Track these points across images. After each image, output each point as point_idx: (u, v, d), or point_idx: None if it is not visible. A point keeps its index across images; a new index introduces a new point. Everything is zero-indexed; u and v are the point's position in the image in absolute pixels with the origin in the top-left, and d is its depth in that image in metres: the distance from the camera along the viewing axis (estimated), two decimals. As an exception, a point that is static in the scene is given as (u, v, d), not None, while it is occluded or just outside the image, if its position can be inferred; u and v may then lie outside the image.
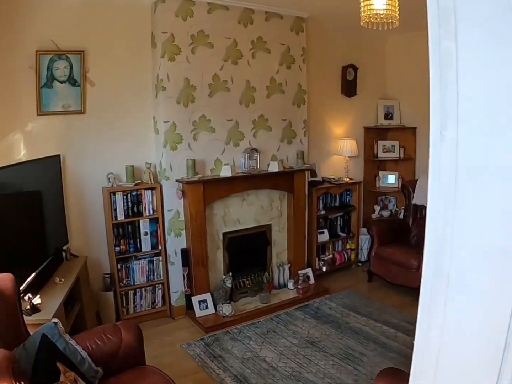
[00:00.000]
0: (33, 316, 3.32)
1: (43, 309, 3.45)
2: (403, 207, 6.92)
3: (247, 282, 5.48)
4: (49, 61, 4.38)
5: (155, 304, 5.08)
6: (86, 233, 4.84)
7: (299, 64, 5.66)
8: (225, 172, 5.08)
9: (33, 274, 3.75)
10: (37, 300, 3.52)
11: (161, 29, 4.65)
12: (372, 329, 4.83)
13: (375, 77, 7.07)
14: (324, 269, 6.20)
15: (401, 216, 6.92)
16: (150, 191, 4.87)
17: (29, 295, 3.47)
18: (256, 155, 5.27)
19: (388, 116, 7.07)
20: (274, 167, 5.40)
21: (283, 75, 5.52)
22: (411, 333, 4.53)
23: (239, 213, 5.39)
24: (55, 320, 2.82)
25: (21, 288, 3.38)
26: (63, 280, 3.97)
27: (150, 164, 4.89)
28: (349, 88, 6.64)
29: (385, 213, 7.05)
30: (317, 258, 6.22)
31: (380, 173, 7.13)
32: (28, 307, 3.40)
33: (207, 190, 4.94)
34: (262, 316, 5.11)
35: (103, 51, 4.67)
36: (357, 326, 4.91)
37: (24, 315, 3.03)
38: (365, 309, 5.31)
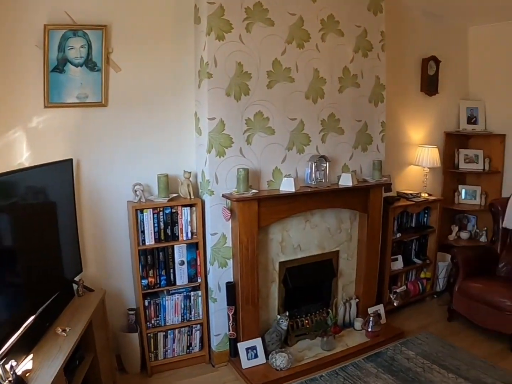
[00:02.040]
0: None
1: (33, 381, 2.30)
2: (485, 229, 5.59)
3: (306, 322, 4.21)
4: (61, 38, 3.26)
5: (191, 348, 3.89)
6: (106, 261, 3.70)
7: (378, 52, 4.33)
8: (287, 186, 3.83)
9: (28, 322, 2.63)
10: (25, 365, 2.40)
11: (207, -1, 3.40)
12: None
13: (457, 73, 5.73)
14: (395, 303, 4.84)
15: (483, 239, 5.58)
16: (188, 208, 3.67)
17: (13, 362, 2.28)
18: (325, 165, 4.00)
19: (471, 120, 5.69)
20: (346, 181, 4.12)
21: (358, 64, 4.21)
22: None
23: (301, 238, 4.13)
24: None
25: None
26: (67, 330, 2.80)
27: (190, 173, 3.67)
28: (430, 84, 5.30)
29: (464, 235, 5.69)
30: (388, 291, 4.88)
31: (460, 187, 5.76)
32: (10, 379, 2.21)
33: (262, 209, 3.70)
34: (324, 368, 3.86)
35: (131, 27, 3.53)
36: (445, 387, 3.59)
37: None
38: (450, 361, 3.99)
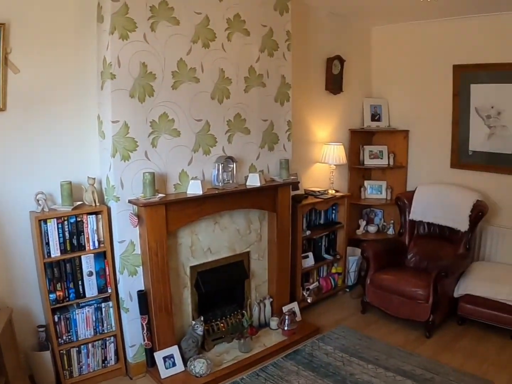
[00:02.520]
0: None
1: None
2: (392, 222, 5.96)
3: (222, 325, 4.29)
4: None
5: (106, 362, 3.82)
6: (9, 277, 3.52)
7: (283, 51, 4.52)
8: (194, 188, 3.87)
9: None
10: None
11: (110, -4, 3.38)
12: (384, 382, 3.80)
13: (361, 72, 6.10)
14: (309, 300, 5.06)
15: (390, 232, 5.97)
16: (94, 216, 3.59)
17: None
18: (231, 165, 4.10)
19: (375, 117, 6.05)
20: (254, 181, 4.24)
21: (264, 64, 4.37)
22: (430, 383, 3.79)
23: (210, 241, 4.21)
24: None
25: None
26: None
27: (94, 179, 3.59)
28: (334, 83, 5.57)
29: (372, 229, 6.05)
30: (301, 288, 5.06)
31: (366, 182, 6.07)
32: None
33: (170, 213, 3.72)
34: (244, 371, 3.95)
35: (31, 25, 3.36)
36: (366, 378, 3.84)
37: None
38: (369, 352, 4.26)
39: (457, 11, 5.13)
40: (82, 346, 3.67)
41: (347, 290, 5.66)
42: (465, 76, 5.40)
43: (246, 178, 4.28)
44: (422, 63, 5.74)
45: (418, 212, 5.26)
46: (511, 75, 5.06)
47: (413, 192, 5.38)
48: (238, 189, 4.11)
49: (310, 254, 5.18)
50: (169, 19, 3.65)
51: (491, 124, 5.28)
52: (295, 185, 4.81)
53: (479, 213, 4.86)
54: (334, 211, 5.47)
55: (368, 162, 5.98)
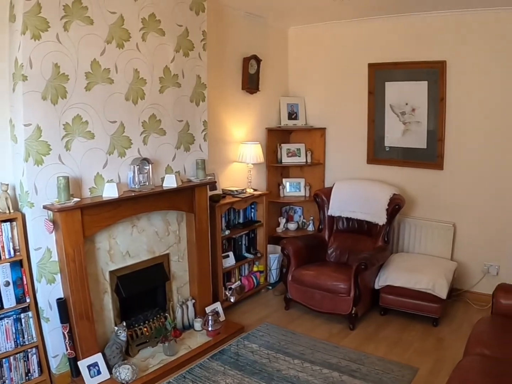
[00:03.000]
0: None
1: None
2: (311, 218, 6.25)
3: (145, 329, 4.36)
4: None
5: (30, 374, 3.76)
6: None
7: (199, 51, 4.68)
8: (110, 191, 3.93)
9: None
10: None
11: (22, -6, 3.40)
12: (311, 375, 4.01)
13: (278, 72, 6.39)
14: (232, 299, 5.26)
15: (310, 228, 6.26)
16: (8, 223, 3.54)
17: None
18: (147, 167, 4.19)
19: (292, 115, 6.31)
20: (170, 182, 4.36)
21: (179, 64, 4.51)
22: (357, 374, 4.03)
23: (129, 244, 4.28)
24: None
25: None
26: None
27: (7, 185, 3.54)
28: (251, 83, 5.79)
29: (292, 226, 6.31)
30: (223, 288, 5.22)
31: (284, 180, 6.31)
32: None
33: (86, 218, 3.75)
34: (171, 374, 4.05)
35: None
36: (292, 373, 4.04)
37: None
38: (294, 347, 4.49)
39: (371, 12, 5.55)
40: (3, 360, 3.60)
41: (270, 287, 5.90)
42: (380, 74, 5.82)
43: (162, 179, 4.39)
44: (338, 62, 6.13)
45: (336, 207, 5.57)
46: (423, 73, 5.53)
47: (331, 188, 5.71)
48: (154, 190, 4.21)
49: (231, 254, 5.37)
50: (82, 19, 3.68)
51: (406, 121, 5.71)
52: (213, 185, 4.98)
53: (395, 206, 5.24)
54: (253, 210, 5.68)
55: (286, 160, 6.24)
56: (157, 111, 4.33)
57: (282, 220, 6.34)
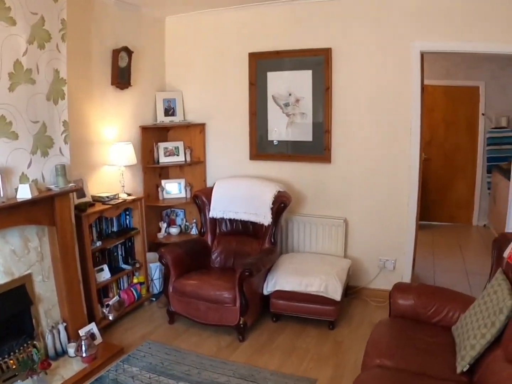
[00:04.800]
0: None
1: None
2: (194, 221, 5.89)
3: (12, 362, 3.78)
4: None
5: None
6: None
7: (57, 42, 4.11)
8: None
9: None
10: None
11: None
12: None
13: (153, 65, 5.95)
14: (111, 317, 4.78)
15: (193, 232, 5.92)
16: None
17: None
18: (-4, 177, 3.61)
19: (169, 111, 5.91)
20: (24, 193, 3.78)
21: (33, 57, 3.90)
22: None
23: (-20, 268, 3.70)
24: None
25: None
26: None
27: None
28: (121, 77, 5.29)
29: (174, 231, 5.96)
30: (100, 305, 4.74)
31: (163, 182, 5.90)
32: None
33: None
34: (41, 410, 3.57)
35: None
36: (180, 398, 3.70)
37: None
38: (179, 368, 4.11)
39: (252, -2, 5.27)
40: None
41: (153, 299, 5.48)
42: (261, 64, 5.56)
43: (16, 190, 3.82)
44: (218, 53, 5.81)
45: (218, 208, 5.25)
46: (307, 62, 5.33)
47: (212, 188, 5.35)
48: (6, 204, 3.63)
49: (105, 267, 4.88)
50: None
51: (289, 112, 5.50)
52: (80, 192, 4.48)
53: (281, 204, 4.98)
54: (128, 217, 5.22)
55: (164, 160, 5.83)
56: (7, 112, 3.70)
57: (163, 225, 5.93)
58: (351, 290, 5.42)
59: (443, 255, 7.09)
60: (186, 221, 6.09)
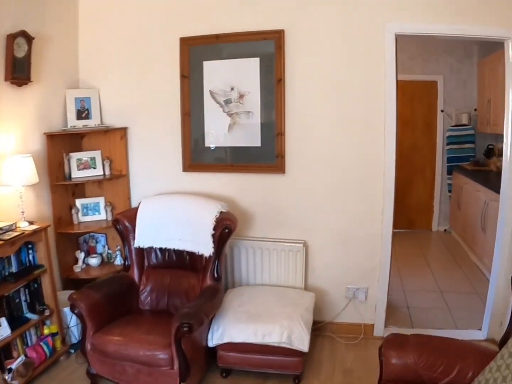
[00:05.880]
0: None
1: None
2: (118, 247, 4.86)
3: None
4: None
5: None
6: None
7: None
8: None
9: None
10: None
11: None
12: None
13: (63, 55, 4.73)
14: (16, 384, 3.58)
15: (118, 262, 4.84)
16: None
17: None
18: None
19: (83, 113, 4.73)
20: None
21: None
22: None
23: None
24: None
25: None
26: None
27: None
28: (19, 71, 4.05)
29: (94, 261, 4.85)
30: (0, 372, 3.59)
31: (78, 202, 4.78)
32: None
33: None
34: None
35: None
36: None
37: None
38: None
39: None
40: None
41: (72, 351, 4.29)
42: (196, 51, 4.51)
43: None
44: (144, 39, 4.71)
45: (146, 235, 4.15)
46: (254, 47, 4.34)
47: (136, 210, 4.23)
48: None
49: (3, 321, 3.65)
50: None
51: (232, 111, 4.48)
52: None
53: (224, 229, 3.90)
54: (31, 251, 4.00)
55: (77, 174, 4.66)
56: None
57: (81, 255, 4.78)
58: (314, 326, 4.32)
59: (409, 269, 6.31)
60: (108, 249, 4.94)
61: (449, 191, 8.07)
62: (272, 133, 4.39)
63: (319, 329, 4.50)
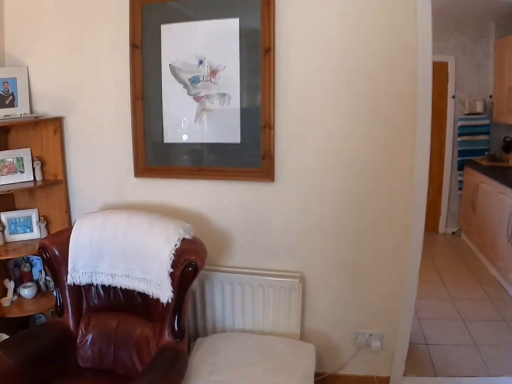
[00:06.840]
0: None
1: None
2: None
3: None
4: None
5: None
6: None
7: None
8: None
9: None
10: None
11: None
12: None
13: None
14: None
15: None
16: None
17: None
18: None
19: (6, 100, 3.57)
20: None
21: None
22: None
23: None
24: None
25: None
26: None
27: None
28: None
29: (28, 292, 3.71)
30: None
31: (3, 216, 3.63)
32: None
33: None
34: None
35: None
36: None
37: None
38: None
39: None
40: None
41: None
42: (151, 10, 3.29)
43: None
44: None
45: (82, 267, 2.97)
46: (232, 3, 3.14)
47: (70, 232, 3.03)
48: None
49: None
50: None
51: (200, 93, 3.28)
52: None
53: (188, 267, 2.69)
54: None
55: (0, 181, 3.47)
56: None
57: (11, 284, 3.63)
58: (315, 378, 3.29)
59: (420, 285, 5.20)
60: (46, 275, 3.80)
61: (460, 188, 7.07)
62: (257, 124, 3.19)
63: (320, 382, 3.40)
